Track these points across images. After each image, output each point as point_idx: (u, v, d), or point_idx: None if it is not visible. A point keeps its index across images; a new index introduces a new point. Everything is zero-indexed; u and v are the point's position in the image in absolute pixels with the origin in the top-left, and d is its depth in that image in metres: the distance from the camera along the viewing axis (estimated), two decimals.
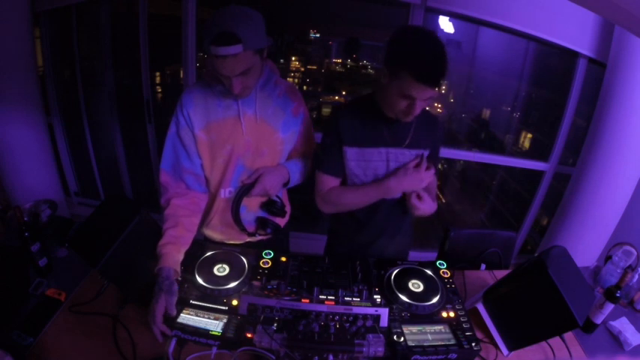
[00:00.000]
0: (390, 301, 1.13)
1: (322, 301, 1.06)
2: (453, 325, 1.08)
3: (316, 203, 1.30)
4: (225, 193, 1.26)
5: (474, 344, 1.01)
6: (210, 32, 0.94)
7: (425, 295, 1.14)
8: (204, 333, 0.98)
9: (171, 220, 1.12)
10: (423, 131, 1.25)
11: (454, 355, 1.00)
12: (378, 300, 1.09)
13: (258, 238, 1.36)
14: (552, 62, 2.66)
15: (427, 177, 1.21)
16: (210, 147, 1.18)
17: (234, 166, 1.21)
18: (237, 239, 1.38)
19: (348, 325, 1.01)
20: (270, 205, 1.31)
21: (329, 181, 1.26)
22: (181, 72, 2.54)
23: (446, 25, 2.46)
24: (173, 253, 1.06)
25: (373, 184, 1.24)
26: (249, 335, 0.98)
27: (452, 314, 1.11)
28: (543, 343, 1.13)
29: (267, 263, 1.21)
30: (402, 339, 1.01)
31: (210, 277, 1.13)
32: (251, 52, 0.99)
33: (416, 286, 1.17)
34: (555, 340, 1.14)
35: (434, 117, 1.32)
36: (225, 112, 1.15)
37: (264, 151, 1.22)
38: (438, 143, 1.36)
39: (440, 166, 3.89)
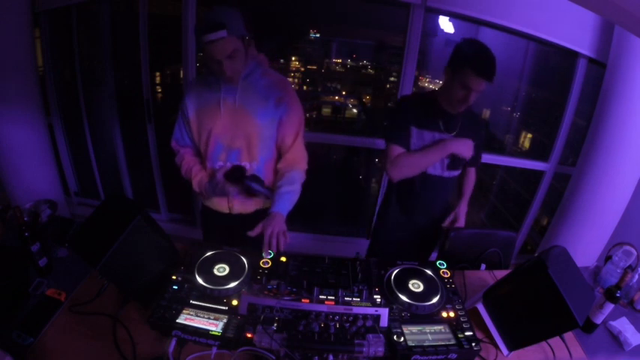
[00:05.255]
0: (390, 301, 1.13)
1: (322, 301, 1.05)
2: (453, 325, 1.08)
3: (387, 172, 1.55)
4: (209, 164, 1.47)
5: (474, 344, 1.01)
6: (200, 26, 1.17)
7: (425, 295, 1.14)
8: (204, 333, 0.98)
9: (189, 161, 1.49)
10: (468, 128, 1.55)
11: (454, 355, 1.00)
12: (378, 300, 1.09)
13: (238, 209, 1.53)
14: (552, 62, 2.65)
15: (471, 147, 1.52)
16: (197, 127, 1.44)
17: (214, 144, 1.41)
18: (222, 207, 1.55)
19: (348, 325, 1.01)
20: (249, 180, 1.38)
21: (397, 150, 1.52)
22: (181, 72, 2.54)
23: (446, 25, 2.45)
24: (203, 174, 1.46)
25: (434, 144, 1.50)
26: (249, 335, 0.98)
27: (452, 314, 1.11)
28: (543, 343, 1.13)
29: (267, 263, 1.21)
30: (402, 339, 1.01)
31: (210, 277, 1.13)
32: (235, 37, 1.21)
33: (416, 286, 1.17)
34: (555, 340, 1.14)
35: (481, 120, 1.56)
36: (209, 100, 1.38)
37: (240, 134, 1.38)
38: (480, 146, 1.63)
39: None
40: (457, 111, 1.45)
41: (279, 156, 1.47)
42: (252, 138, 1.39)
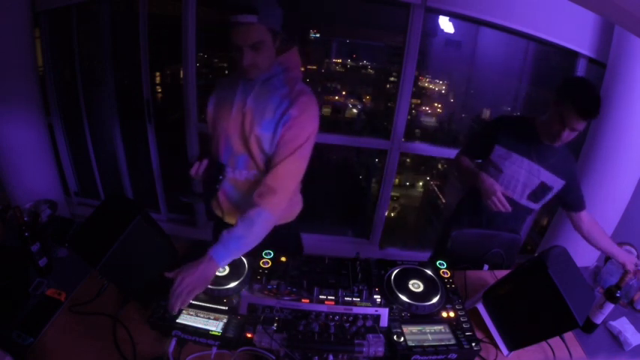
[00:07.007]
0: (390, 301, 1.13)
1: (322, 301, 1.05)
2: (453, 325, 1.08)
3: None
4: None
5: (474, 344, 1.01)
6: (230, 3, 1.05)
7: (425, 295, 1.14)
8: (204, 333, 0.99)
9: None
10: (559, 164, 1.52)
11: (454, 355, 1.00)
12: (378, 300, 1.09)
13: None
14: (552, 62, 2.65)
15: (499, 204, 1.45)
16: (212, 121, 1.33)
17: (224, 145, 1.29)
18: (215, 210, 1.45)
19: (348, 325, 1.01)
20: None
21: (461, 156, 1.68)
22: (181, 72, 2.54)
23: (446, 25, 2.46)
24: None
25: (475, 169, 1.59)
26: (249, 335, 0.98)
27: (452, 314, 1.11)
28: (543, 343, 1.13)
29: (267, 263, 1.21)
30: (402, 339, 1.01)
31: None
32: (264, 28, 1.08)
33: (416, 286, 1.17)
34: (555, 340, 1.14)
35: (571, 157, 1.57)
36: (227, 97, 1.26)
37: (244, 140, 1.22)
38: (575, 187, 1.57)
39: (440, 166, 3.90)
40: (554, 144, 1.44)
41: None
42: (252, 148, 1.22)
